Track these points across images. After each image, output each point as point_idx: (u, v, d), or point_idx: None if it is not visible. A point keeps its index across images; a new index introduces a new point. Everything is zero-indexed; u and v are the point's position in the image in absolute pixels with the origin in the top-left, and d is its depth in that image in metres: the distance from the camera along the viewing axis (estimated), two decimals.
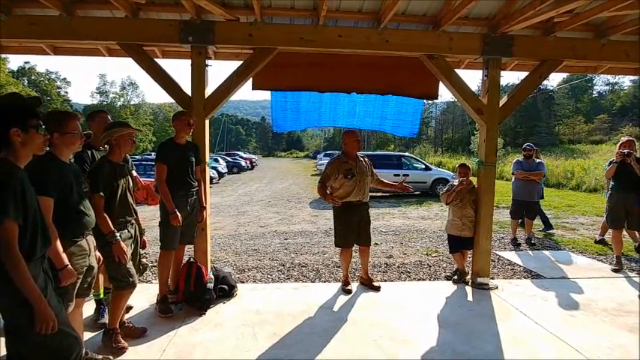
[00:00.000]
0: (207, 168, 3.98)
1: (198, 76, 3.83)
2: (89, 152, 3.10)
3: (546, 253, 5.77)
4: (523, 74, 4.63)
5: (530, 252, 5.83)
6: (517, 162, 6.47)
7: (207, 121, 3.93)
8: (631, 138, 4.93)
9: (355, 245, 4.22)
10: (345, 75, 4.29)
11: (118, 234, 2.68)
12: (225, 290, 3.85)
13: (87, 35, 3.70)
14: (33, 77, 44.89)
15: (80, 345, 1.96)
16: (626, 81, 53.51)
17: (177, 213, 3.38)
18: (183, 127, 3.53)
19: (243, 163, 30.90)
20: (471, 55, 4.14)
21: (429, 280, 4.63)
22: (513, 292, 4.13)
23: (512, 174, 6.46)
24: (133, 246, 2.95)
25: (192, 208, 3.64)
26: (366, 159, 4.24)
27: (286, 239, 6.77)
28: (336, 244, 4.23)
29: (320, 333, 3.19)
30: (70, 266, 2.12)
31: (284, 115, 4.88)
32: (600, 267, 5.06)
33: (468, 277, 4.38)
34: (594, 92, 58.56)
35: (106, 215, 2.64)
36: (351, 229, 4.09)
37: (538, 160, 6.46)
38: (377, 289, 4.14)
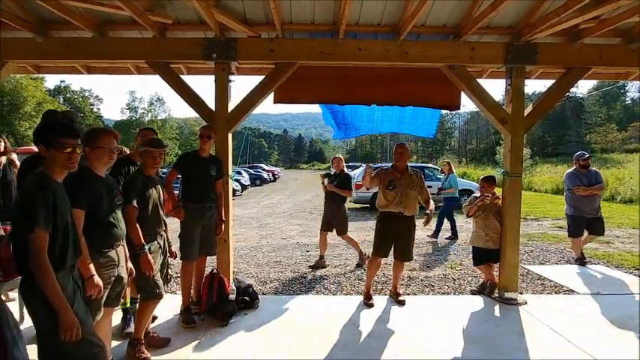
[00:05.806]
0: (230, 181, 4.06)
1: (222, 91, 3.94)
2: (127, 167, 3.21)
3: (579, 267, 5.52)
4: (550, 82, 4.52)
5: (561, 266, 5.59)
6: (572, 175, 5.59)
7: (230, 135, 4.02)
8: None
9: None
10: (365, 87, 4.30)
11: (147, 247, 2.76)
12: (247, 302, 3.88)
13: (118, 55, 3.89)
14: (68, 95, 47.38)
15: (105, 354, 2.01)
16: None
17: (181, 207, 3.51)
18: (202, 140, 3.66)
19: (265, 175, 31.18)
20: (494, 64, 4.07)
21: (454, 294, 4.50)
22: (543, 307, 3.96)
23: (568, 189, 5.59)
24: (162, 257, 3.02)
25: (209, 221, 3.70)
26: (418, 174, 4.11)
27: (308, 251, 6.76)
28: (372, 252, 4.19)
29: (340, 347, 3.16)
30: (95, 276, 2.18)
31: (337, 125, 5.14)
32: (637, 282, 4.79)
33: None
34: (627, 99, 56.30)
35: (138, 227, 2.72)
36: (386, 239, 4.06)
37: (593, 170, 5.66)
38: (402, 303, 4.08)
